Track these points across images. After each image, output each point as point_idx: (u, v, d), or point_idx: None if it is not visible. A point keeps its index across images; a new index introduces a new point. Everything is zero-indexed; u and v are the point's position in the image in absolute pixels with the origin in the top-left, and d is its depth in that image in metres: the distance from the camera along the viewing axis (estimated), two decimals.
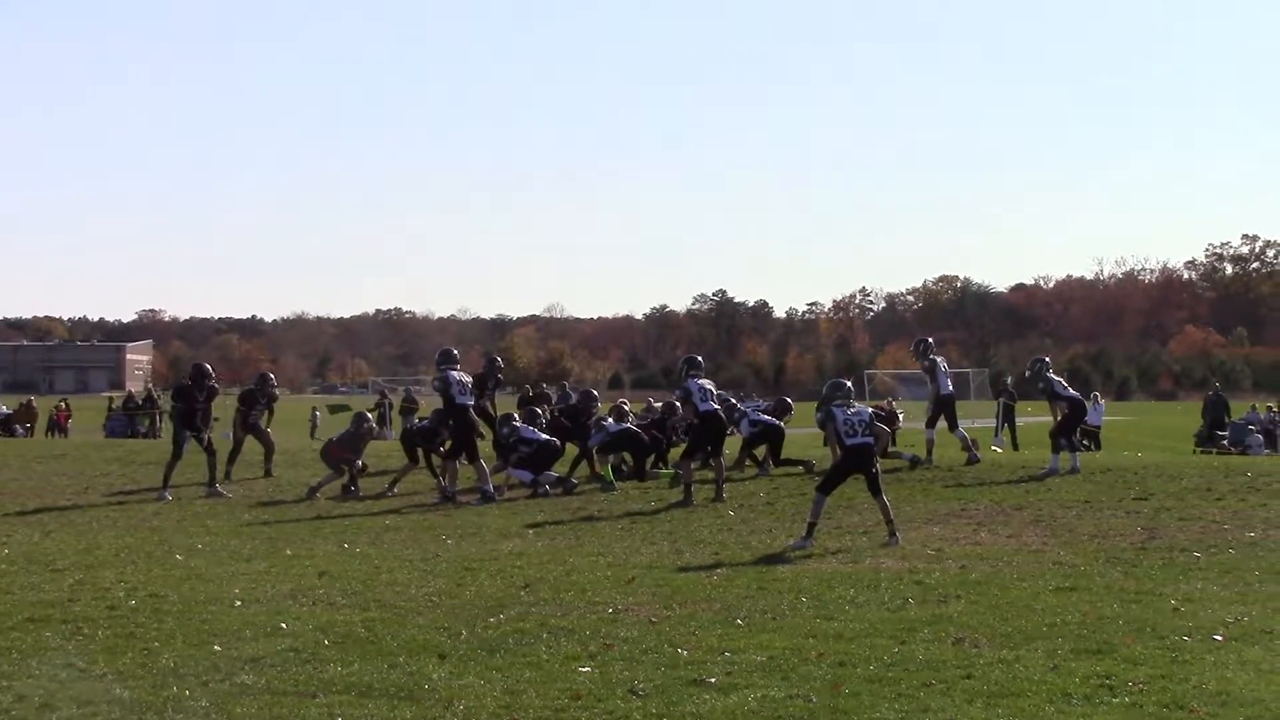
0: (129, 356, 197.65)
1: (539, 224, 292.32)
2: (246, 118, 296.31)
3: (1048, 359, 25.92)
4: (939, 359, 26.17)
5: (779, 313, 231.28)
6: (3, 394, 78.68)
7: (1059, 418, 24.40)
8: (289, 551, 17.32)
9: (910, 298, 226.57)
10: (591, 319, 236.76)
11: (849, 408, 17.88)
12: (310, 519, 20.87)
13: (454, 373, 23.64)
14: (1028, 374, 25.69)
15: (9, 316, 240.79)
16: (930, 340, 27.20)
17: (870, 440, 17.76)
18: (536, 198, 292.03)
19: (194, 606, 13.23)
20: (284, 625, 12.21)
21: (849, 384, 18.76)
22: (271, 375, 28.88)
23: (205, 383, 25.50)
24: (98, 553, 17.25)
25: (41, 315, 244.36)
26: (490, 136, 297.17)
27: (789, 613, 12.70)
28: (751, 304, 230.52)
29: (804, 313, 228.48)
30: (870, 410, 18.52)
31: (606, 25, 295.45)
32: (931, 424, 26.32)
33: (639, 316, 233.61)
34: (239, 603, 13.42)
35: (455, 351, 24.87)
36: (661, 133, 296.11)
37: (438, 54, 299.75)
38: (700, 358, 24.24)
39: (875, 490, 17.84)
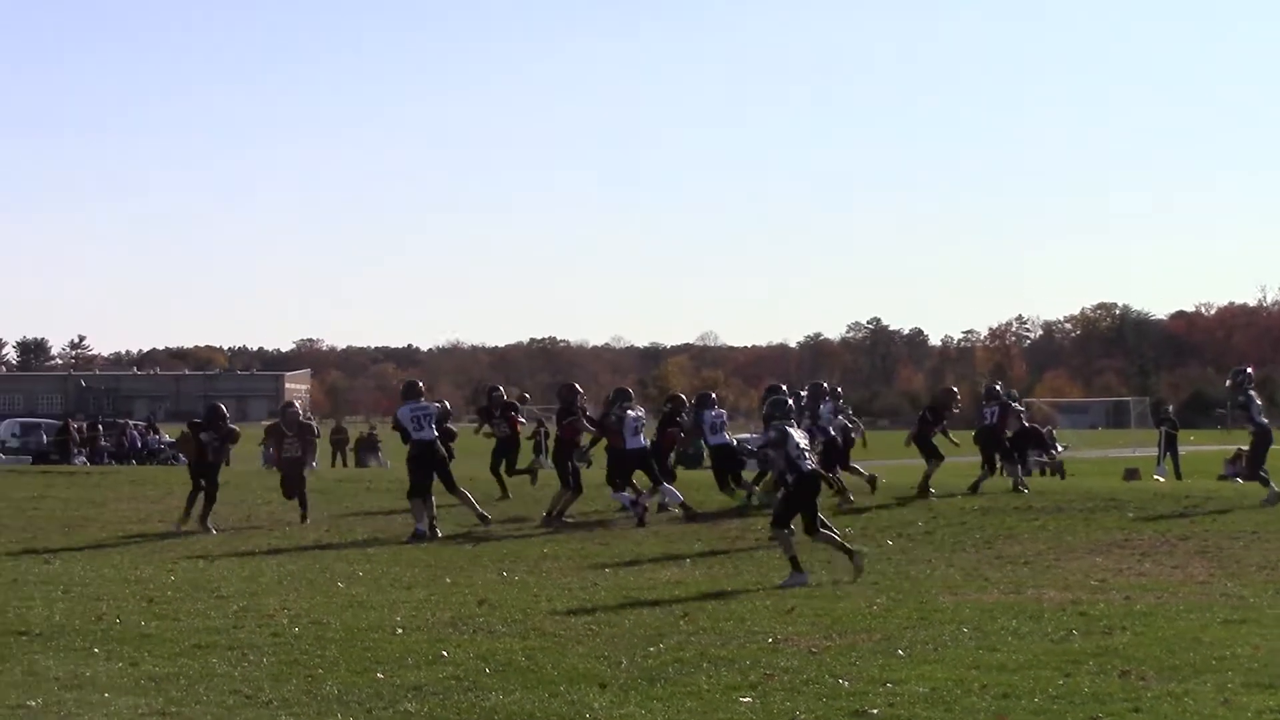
0: (287, 385, 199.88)
1: (692, 252, 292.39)
2: (403, 151, 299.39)
3: (1249, 370, 24.76)
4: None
5: (934, 340, 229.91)
6: (165, 423, 79.73)
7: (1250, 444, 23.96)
8: (449, 580, 17.43)
9: (1068, 325, 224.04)
10: (745, 347, 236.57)
11: (798, 427, 17.55)
12: (469, 547, 20.97)
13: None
14: (1229, 384, 24.48)
15: (171, 346, 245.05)
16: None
17: (818, 467, 17.44)
18: (691, 226, 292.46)
19: (356, 634, 13.34)
20: (445, 653, 12.29)
21: (786, 399, 18.34)
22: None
23: (219, 422, 25.03)
24: (261, 580, 17.46)
25: (203, 345, 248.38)
26: (638, 164, 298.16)
27: (950, 644, 12.57)
28: (906, 332, 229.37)
29: (959, 340, 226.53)
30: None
31: (771, 42, 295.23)
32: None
33: (793, 345, 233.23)
34: (400, 630, 13.52)
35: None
36: (814, 159, 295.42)
37: (589, 89, 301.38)
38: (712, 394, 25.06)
39: (810, 528, 17.14)
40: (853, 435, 27.29)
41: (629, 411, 23.31)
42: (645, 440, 24.21)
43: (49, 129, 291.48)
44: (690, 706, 10.25)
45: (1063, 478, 36.82)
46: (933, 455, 26.64)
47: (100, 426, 63.53)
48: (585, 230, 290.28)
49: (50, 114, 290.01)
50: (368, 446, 58.97)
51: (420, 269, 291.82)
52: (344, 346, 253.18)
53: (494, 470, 28.09)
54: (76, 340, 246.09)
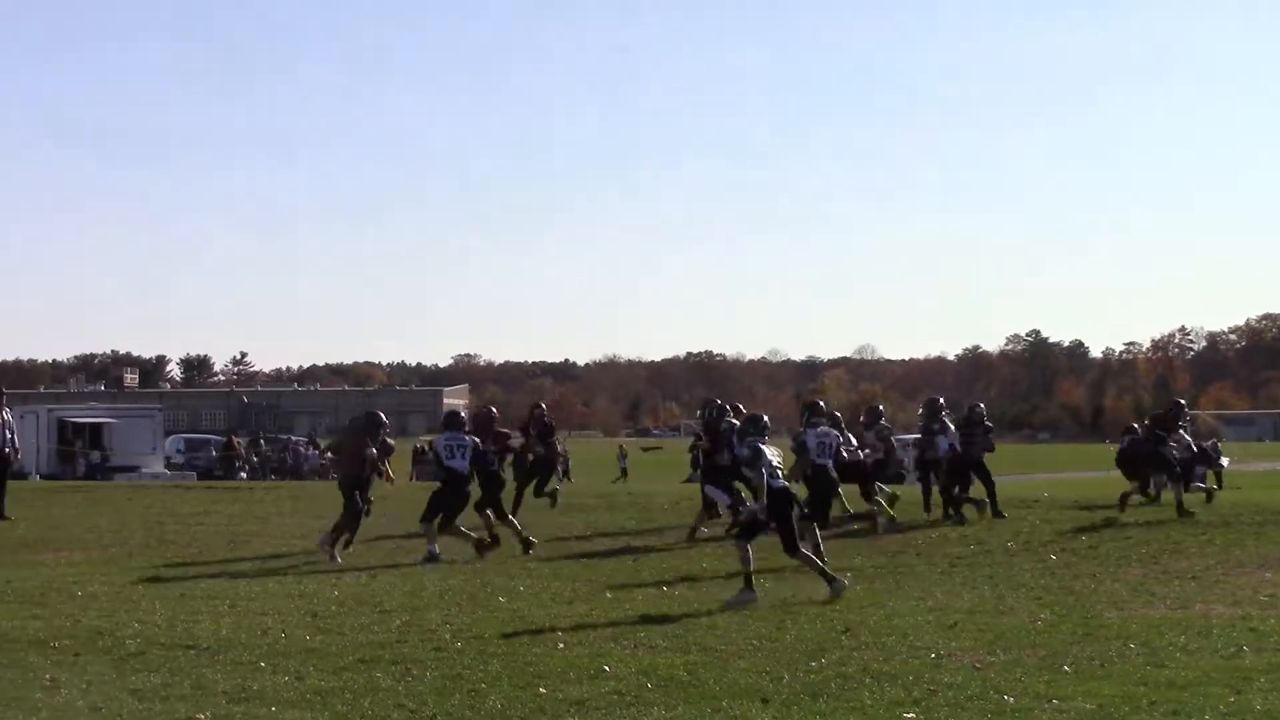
0: (446, 401, 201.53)
1: (849, 265, 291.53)
2: (561, 167, 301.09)
3: None
4: None
5: (1095, 353, 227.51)
6: (326, 438, 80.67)
7: None
8: (609, 594, 17.44)
9: (1233, 336, 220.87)
10: (903, 360, 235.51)
11: (771, 445, 17.32)
12: (630, 563, 20.97)
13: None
14: None
15: (331, 363, 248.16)
16: None
17: (788, 485, 17.20)
18: (847, 238, 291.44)
19: (518, 648, 13.39)
20: (607, 668, 12.29)
21: (766, 419, 18.20)
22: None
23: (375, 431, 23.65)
24: (423, 595, 17.56)
25: (362, 361, 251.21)
26: (793, 178, 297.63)
27: (1117, 659, 12.39)
28: (1067, 344, 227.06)
29: (1121, 352, 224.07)
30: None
31: (947, 59, 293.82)
32: None
33: (951, 357, 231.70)
34: (562, 645, 13.55)
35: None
36: (970, 172, 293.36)
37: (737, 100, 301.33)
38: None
39: (789, 546, 16.94)
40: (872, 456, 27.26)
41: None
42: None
43: (213, 152, 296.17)
44: None
45: (1220, 487, 36.03)
46: (1161, 469, 26.10)
47: (264, 442, 64.45)
48: (742, 243, 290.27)
49: (213, 138, 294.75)
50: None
51: (578, 283, 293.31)
52: (502, 361, 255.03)
53: (520, 487, 27.21)
54: (239, 357, 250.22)
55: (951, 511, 25.07)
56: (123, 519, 28.81)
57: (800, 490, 19.33)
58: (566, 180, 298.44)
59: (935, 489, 26.05)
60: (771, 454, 17.14)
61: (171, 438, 74.27)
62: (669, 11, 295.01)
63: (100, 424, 65.80)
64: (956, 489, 25.58)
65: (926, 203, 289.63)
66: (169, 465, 62.85)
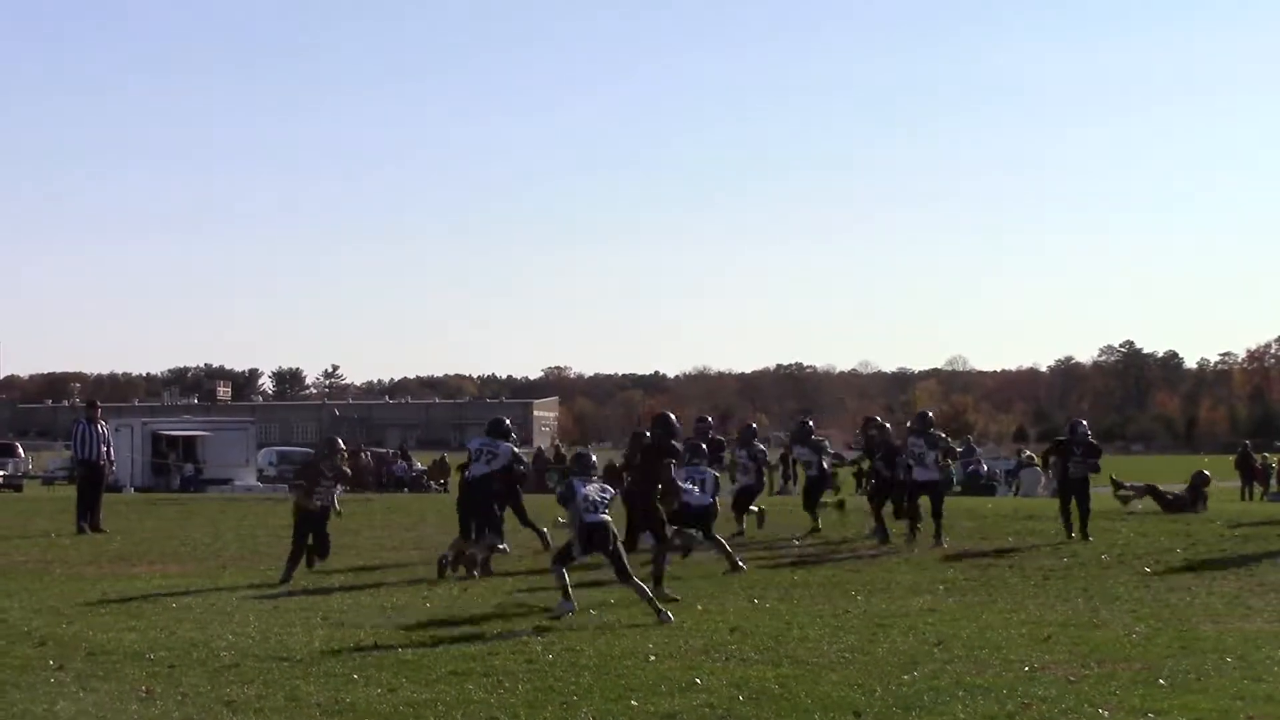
0: (536, 413, 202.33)
1: (942, 276, 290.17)
2: (646, 180, 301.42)
3: None
4: None
5: (1190, 363, 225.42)
6: (417, 450, 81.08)
7: None
8: (700, 607, 17.41)
9: None
10: (995, 371, 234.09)
11: (590, 482, 17.22)
12: (720, 576, 20.93)
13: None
14: None
15: (422, 375, 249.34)
16: None
17: (607, 519, 17.01)
18: (940, 249, 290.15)
19: (609, 661, 13.38)
20: (698, 680, 12.27)
21: (594, 457, 18.29)
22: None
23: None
24: (513, 607, 17.58)
25: (453, 374, 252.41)
26: (882, 188, 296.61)
27: (1214, 673, 12.27)
28: (1160, 355, 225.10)
29: (1216, 363, 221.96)
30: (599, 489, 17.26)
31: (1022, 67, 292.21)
32: None
33: (1043, 369, 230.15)
34: (653, 657, 13.54)
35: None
36: (1062, 179, 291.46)
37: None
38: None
39: (620, 575, 16.83)
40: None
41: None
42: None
43: (303, 167, 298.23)
44: None
45: None
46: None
47: (363, 455, 64.89)
48: (832, 255, 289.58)
49: (301, 152, 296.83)
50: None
51: (667, 296, 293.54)
52: (592, 374, 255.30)
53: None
54: (330, 370, 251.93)
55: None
56: (216, 531, 29.05)
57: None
58: (656, 192, 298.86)
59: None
60: (590, 489, 17.15)
61: (264, 450, 74.87)
62: (750, 26, 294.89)
63: (194, 437, 66.43)
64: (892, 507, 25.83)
65: (1018, 212, 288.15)
66: (261, 478, 63.28)
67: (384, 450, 75.12)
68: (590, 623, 16.09)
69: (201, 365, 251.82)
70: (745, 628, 15.40)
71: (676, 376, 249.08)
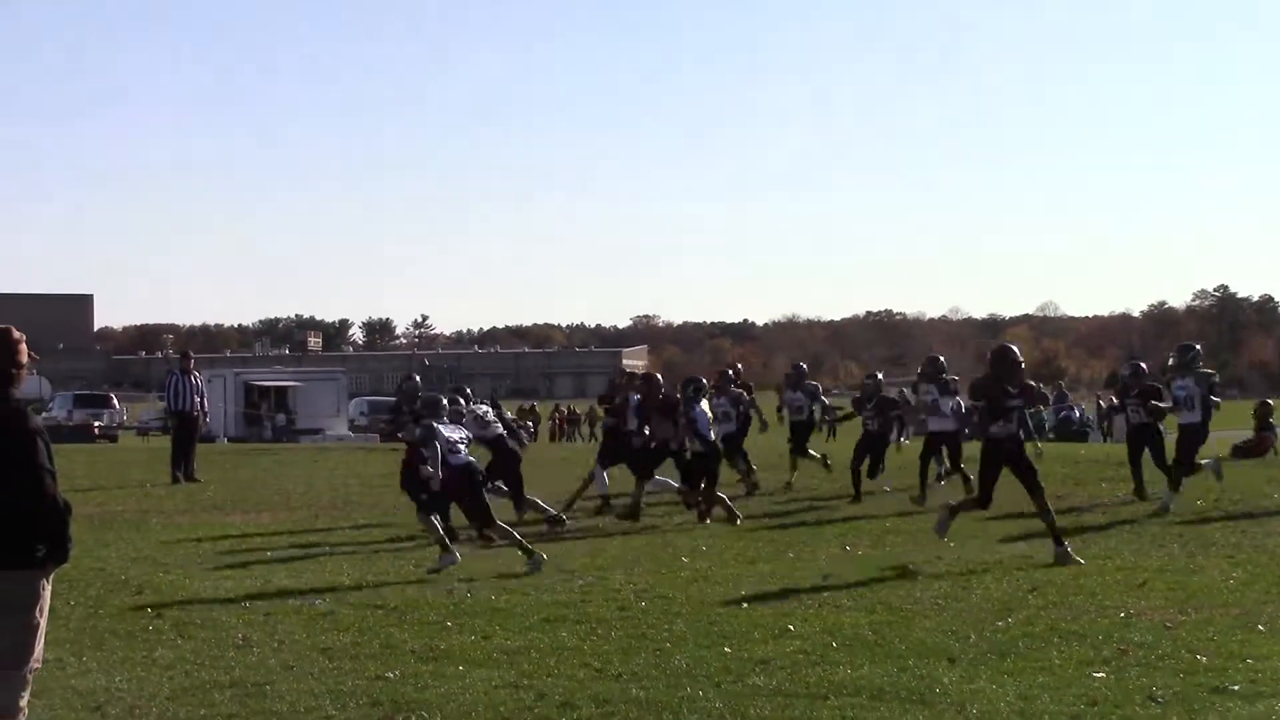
0: (625, 362, 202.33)
1: (1031, 220, 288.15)
2: (733, 130, 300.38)
3: None
4: None
5: None
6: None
7: None
8: (791, 554, 17.40)
9: None
10: (1087, 317, 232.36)
11: (446, 424, 17.16)
12: (812, 523, 20.89)
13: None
14: None
15: (511, 324, 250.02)
16: None
17: (471, 460, 17.05)
18: (1029, 193, 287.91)
19: (702, 608, 13.39)
20: (791, 627, 12.26)
21: (444, 400, 18.20)
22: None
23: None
24: (606, 555, 17.63)
25: (541, 323, 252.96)
26: (972, 134, 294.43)
27: None
28: (1256, 299, 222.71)
29: None
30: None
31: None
32: None
33: (1136, 314, 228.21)
34: (746, 604, 13.53)
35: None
36: (1156, 123, 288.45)
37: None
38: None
39: (484, 520, 17.01)
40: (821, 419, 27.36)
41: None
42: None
43: (399, 119, 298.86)
44: (1042, 681, 10.07)
45: None
46: None
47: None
48: (921, 199, 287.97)
49: (398, 107, 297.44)
50: None
51: (756, 243, 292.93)
52: (680, 322, 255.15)
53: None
54: (419, 320, 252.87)
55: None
56: (309, 481, 29.26)
57: None
58: (743, 139, 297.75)
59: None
60: (450, 432, 17.11)
61: (355, 400, 75.35)
62: None
63: (285, 387, 66.90)
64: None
65: (1109, 156, 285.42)
66: (352, 427, 63.68)
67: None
68: (683, 570, 16.10)
69: (292, 316, 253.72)
70: (837, 574, 15.37)
71: (765, 324, 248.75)
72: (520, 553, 16.53)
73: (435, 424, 17.07)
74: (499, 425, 21.00)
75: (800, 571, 15.80)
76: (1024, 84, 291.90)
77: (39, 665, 8.45)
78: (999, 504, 17.64)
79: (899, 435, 25.09)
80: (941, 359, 24.70)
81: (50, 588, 8.40)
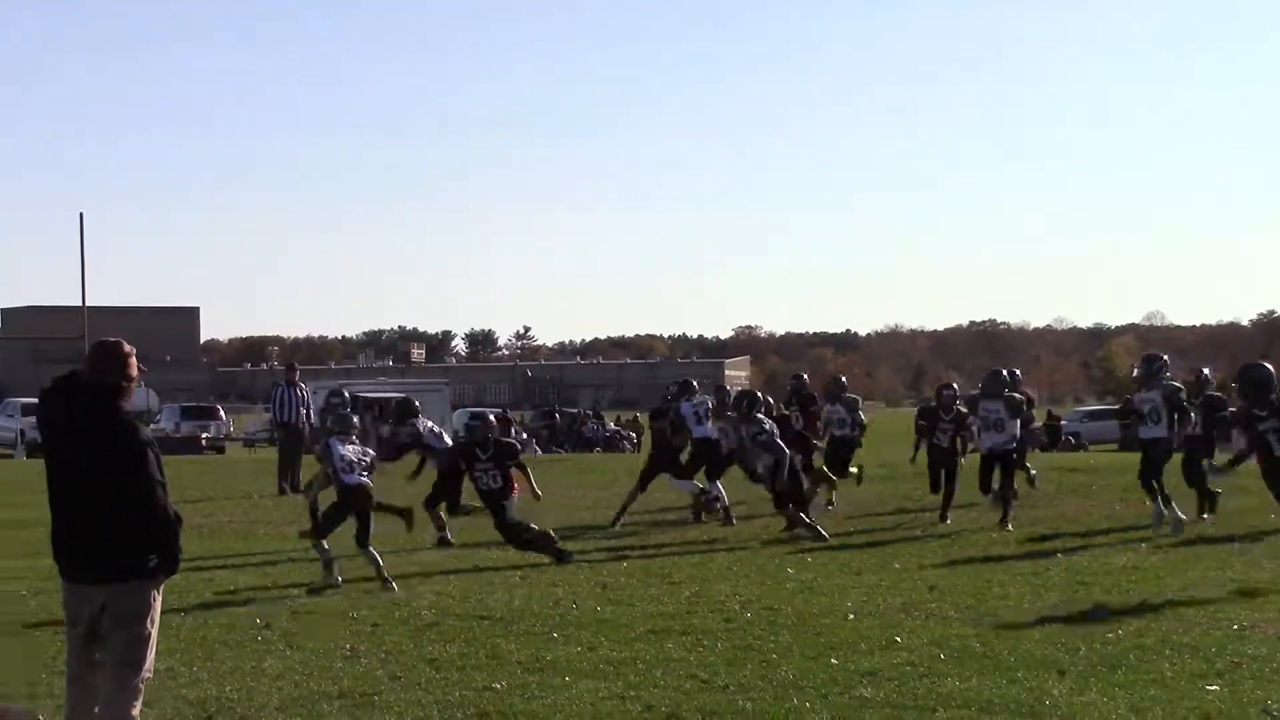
0: (727, 373, 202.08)
1: (1138, 228, 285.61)
2: (829, 138, 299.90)
3: None
4: None
5: None
6: (609, 410, 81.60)
7: None
8: (897, 565, 17.30)
9: None
10: (1194, 326, 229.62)
11: (347, 442, 16.84)
12: (918, 535, 20.73)
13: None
14: None
15: (613, 335, 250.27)
16: None
17: (365, 481, 16.72)
18: (1134, 200, 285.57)
19: (808, 619, 13.34)
20: (898, 639, 12.20)
21: (348, 413, 18.04)
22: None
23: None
24: (711, 566, 17.60)
25: (644, 334, 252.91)
26: (1081, 137, 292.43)
27: None
28: None
29: None
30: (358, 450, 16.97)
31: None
32: None
33: (1245, 323, 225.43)
34: (852, 616, 13.48)
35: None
36: (1265, 125, 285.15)
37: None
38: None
39: (360, 541, 16.49)
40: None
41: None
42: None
43: (498, 133, 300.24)
44: (1154, 694, 9.97)
45: None
46: None
47: (556, 415, 65.43)
48: (1025, 207, 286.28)
49: (507, 119, 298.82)
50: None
51: (859, 252, 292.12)
52: (782, 332, 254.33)
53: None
54: (522, 331, 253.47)
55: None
56: (418, 491, 29.31)
57: None
58: (846, 149, 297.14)
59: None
60: (345, 450, 16.81)
61: (458, 411, 75.63)
62: None
63: (390, 399, 67.21)
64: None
65: (1217, 162, 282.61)
66: (456, 438, 63.95)
67: (575, 410, 75.62)
68: (787, 581, 16.06)
69: (395, 328, 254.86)
70: (943, 586, 15.28)
71: (868, 334, 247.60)
72: (380, 581, 16.20)
73: (334, 442, 16.98)
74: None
75: (905, 583, 15.71)
76: (1135, 85, 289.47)
77: (151, 675, 8.54)
78: (1110, 516, 17.45)
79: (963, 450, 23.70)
80: (1005, 373, 22.95)
81: (161, 598, 8.49)
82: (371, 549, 16.42)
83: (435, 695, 10.46)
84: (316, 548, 16.81)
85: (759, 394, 22.18)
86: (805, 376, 27.43)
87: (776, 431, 20.71)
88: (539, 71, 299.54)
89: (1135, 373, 21.33)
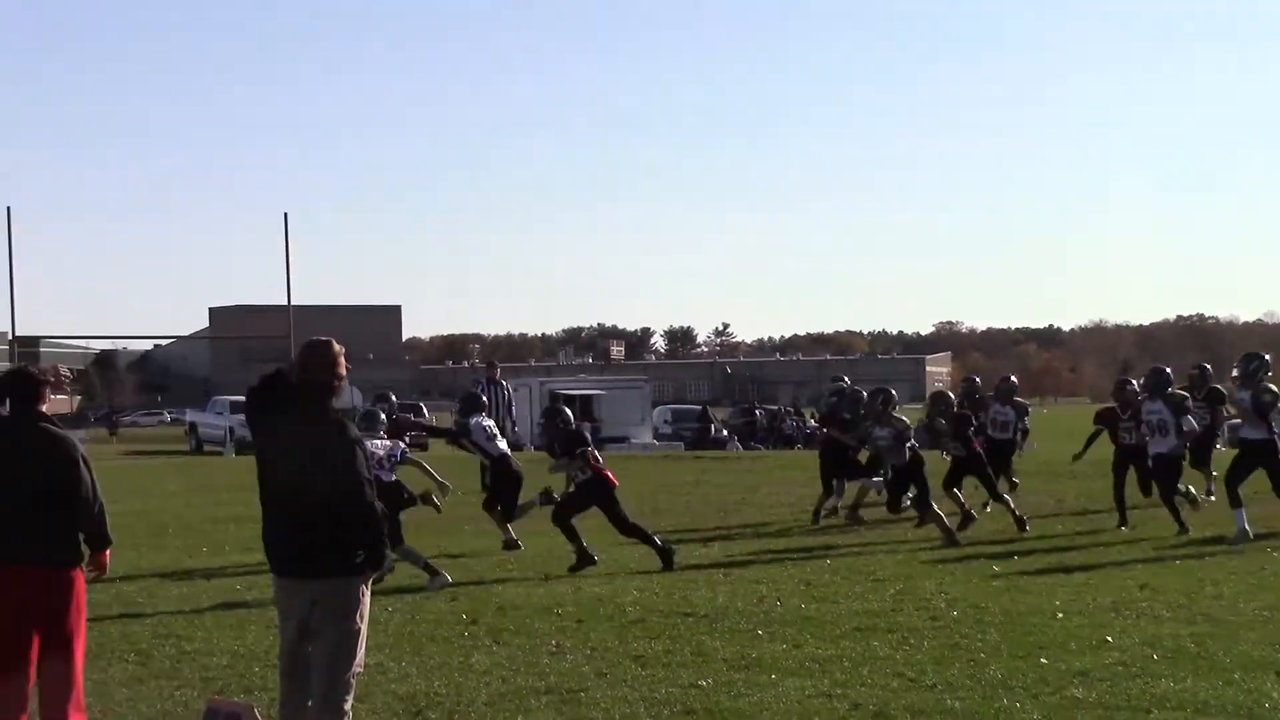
0: (929, 369, 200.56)
1: None
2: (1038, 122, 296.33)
3: None
4: None
5: None
6: (808, 407, 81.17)
7: None
8: (1107, 563, 17.02)
9: None
10: None
11: (373, 439, 16.63)
12: (1125, 529, 20.36)
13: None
14: None
15: (812, 331, 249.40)
16: None
17: (395, 478, 16.74)
18: None
19: (1016, 618, 13.17)
20: (1109, 639, 11.99)
21: (374, 409, 18.05)
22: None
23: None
24: (915, 564, 17.45)
25: (843, 330, 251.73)
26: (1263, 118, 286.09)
27: None
28: None
29: None
30: None
31: None
32: None
33: None
34: (1061, 614, 13.27)
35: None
36: None
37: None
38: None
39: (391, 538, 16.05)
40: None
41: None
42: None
43: (676, 133, 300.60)
44: None
45: None
46: None
47: (756, 412, 65.40)
48: (1232, 200, 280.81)
49: (698, 117, 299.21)
50: None
51: (1061, 246, 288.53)
52: (984, 328, 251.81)
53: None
54: (721, 328, 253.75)
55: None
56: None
57: None
58: (1049, 142, 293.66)
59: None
60: (376, 448, 16.74)
61: (659, 408, 75.81)
62: None
63: (590, 395, 67.56)
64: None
65: None
66: (657, 435, 64.07)
67: (775, 407, 75.47)
68: (994, 579, 15.87)
69: (595, 325, 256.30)
70: (1155, 585, 15.00)
71: (1071, 329, 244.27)
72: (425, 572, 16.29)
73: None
74: (502, 443, 20.57)
75: (1114, 581, 15.44)
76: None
77: (361, 669, 8.64)
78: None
79: None
80: (1168, 370, 21.60)
81: (369, 593, 8.58)
82: (404, 546, 16.42)
83: (641, 692, 10.47)
84: (403, 555, 16.43)
85: (892, 391, 21.74)
86: (977, 379, 26.80)
87: (910, 430, 20.70)
88: (749, 70, 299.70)
89: (1234, 373, 20.30)
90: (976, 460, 21.25)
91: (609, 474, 17.71)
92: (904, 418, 20.74)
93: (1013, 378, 25.61)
